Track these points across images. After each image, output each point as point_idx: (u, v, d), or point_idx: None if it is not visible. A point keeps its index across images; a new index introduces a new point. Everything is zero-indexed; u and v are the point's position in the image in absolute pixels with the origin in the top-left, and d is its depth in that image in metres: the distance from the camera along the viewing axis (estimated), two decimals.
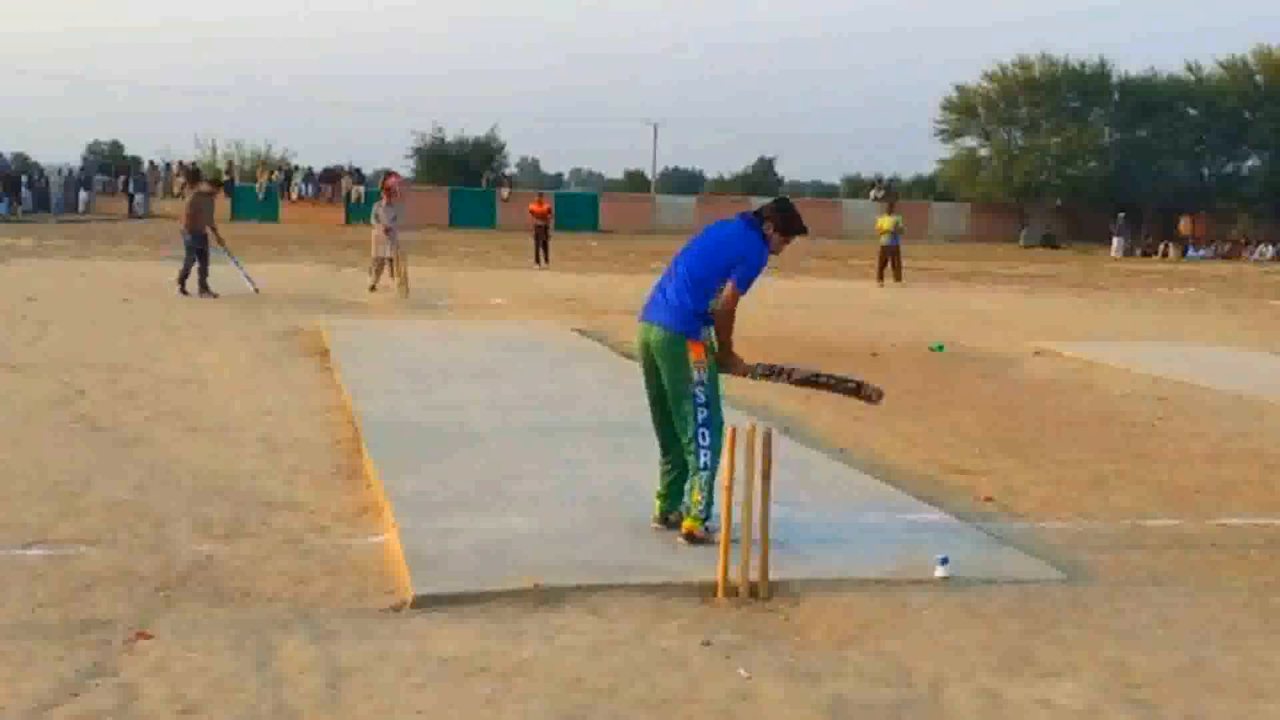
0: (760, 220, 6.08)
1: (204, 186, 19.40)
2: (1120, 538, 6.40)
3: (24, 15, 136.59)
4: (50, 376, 10.26)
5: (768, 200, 6.59)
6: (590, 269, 26.94)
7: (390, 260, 19.25)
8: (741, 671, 4.39)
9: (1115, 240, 44.35)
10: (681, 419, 5.82)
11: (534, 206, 28.20)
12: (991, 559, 5.79)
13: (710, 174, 74.98)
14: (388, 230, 19.21)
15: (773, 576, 5.20)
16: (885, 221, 25.15)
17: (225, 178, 45.35)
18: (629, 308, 16.92)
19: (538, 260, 26.85)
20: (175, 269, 17.80)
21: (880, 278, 24.81)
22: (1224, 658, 4.71)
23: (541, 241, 27.10)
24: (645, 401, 6.10)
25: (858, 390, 6.11)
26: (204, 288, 17.26)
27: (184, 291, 17.20)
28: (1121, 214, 44.92)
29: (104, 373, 10.54)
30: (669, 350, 5.81)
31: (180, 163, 48.68)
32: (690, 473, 5.83)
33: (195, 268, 17.33)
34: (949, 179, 55.68)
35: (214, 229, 17.82)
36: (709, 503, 5.72)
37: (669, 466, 6.05)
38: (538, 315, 16.50)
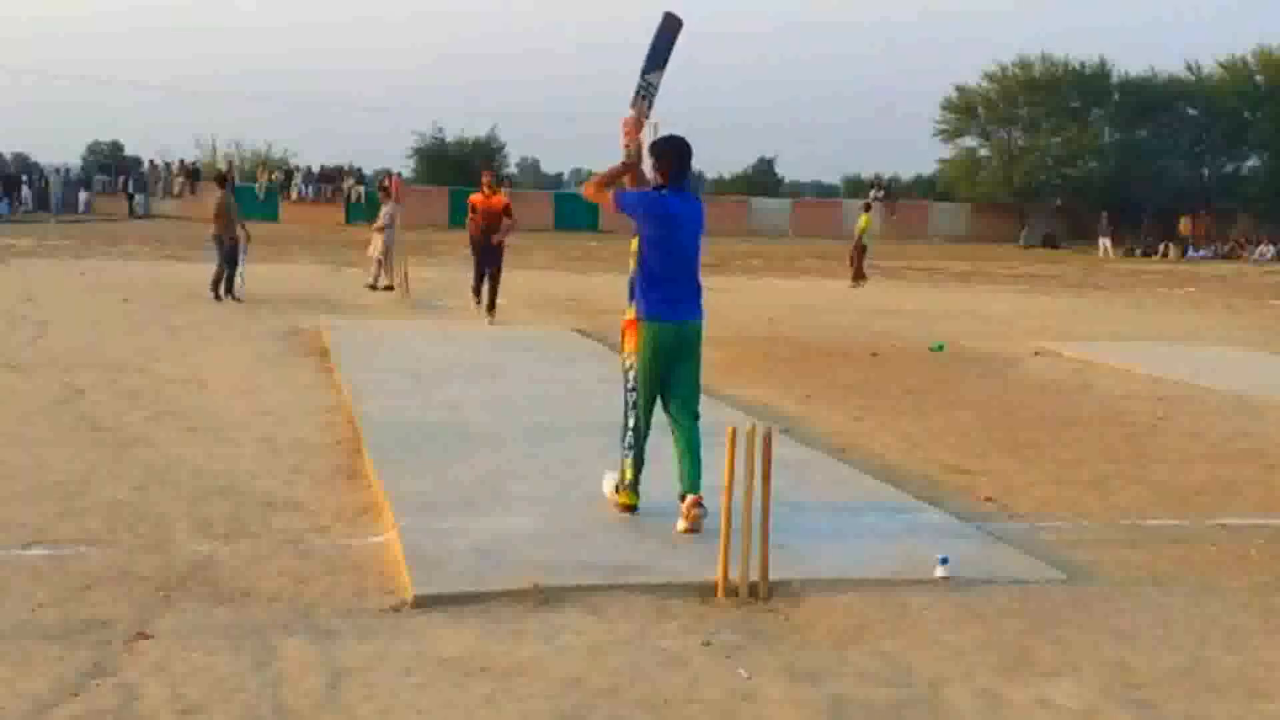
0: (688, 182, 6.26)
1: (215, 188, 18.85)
2: (1120, 538, 6.40)
3: (24, 15, 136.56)
4: (50, 376, 10.26)
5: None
6: (590, 269, 26.93)
7: (384, 259, 19.34)
8: (742, 672, 4.39)
9: (1102, 241, 44.03)
10: (696, 397, 6.21)
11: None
12: (991, 559, 5.79)
13: (710, 174, 74.77)
14: (383, 229, 19.31)
15: (773, 577, 5.20)
16: (867, 220, 25.48)
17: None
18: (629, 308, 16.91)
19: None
20: (175, 269, 17.79)
21: (860, 276, 24.78)
22: (1224, 658, 4.71)
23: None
24: (645, 399, 6.22)
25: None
26: (230, 290, 16.77)
27: (218, 298, 16.67)
28: (1105, 213, 44.70)
29: (104, 373, 10.54)
30: (700, 338, 6.22)
31: (181, 162, 48.75)
32: (698, 444, 6.08)
33: (223, 270, 16.87)
34: (949, 179, 55.68)
35: (243, 226, 17.27)
36: None
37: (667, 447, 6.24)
38: (537, 315, 16.50)
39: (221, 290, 16.80)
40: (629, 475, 6.26)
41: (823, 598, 5.16)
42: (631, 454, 6.24)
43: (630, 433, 6.25)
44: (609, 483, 6.40)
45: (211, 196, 18.60)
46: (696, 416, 6.17)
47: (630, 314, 6.18)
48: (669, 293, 6.06)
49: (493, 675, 4.29)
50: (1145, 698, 4.30)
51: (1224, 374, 12.65)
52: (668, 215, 6.06)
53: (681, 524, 5.98)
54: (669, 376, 6.15)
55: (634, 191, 6.23)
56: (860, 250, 24.75)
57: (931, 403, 10.49)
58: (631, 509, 6.25)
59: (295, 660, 4.37)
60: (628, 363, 6.22)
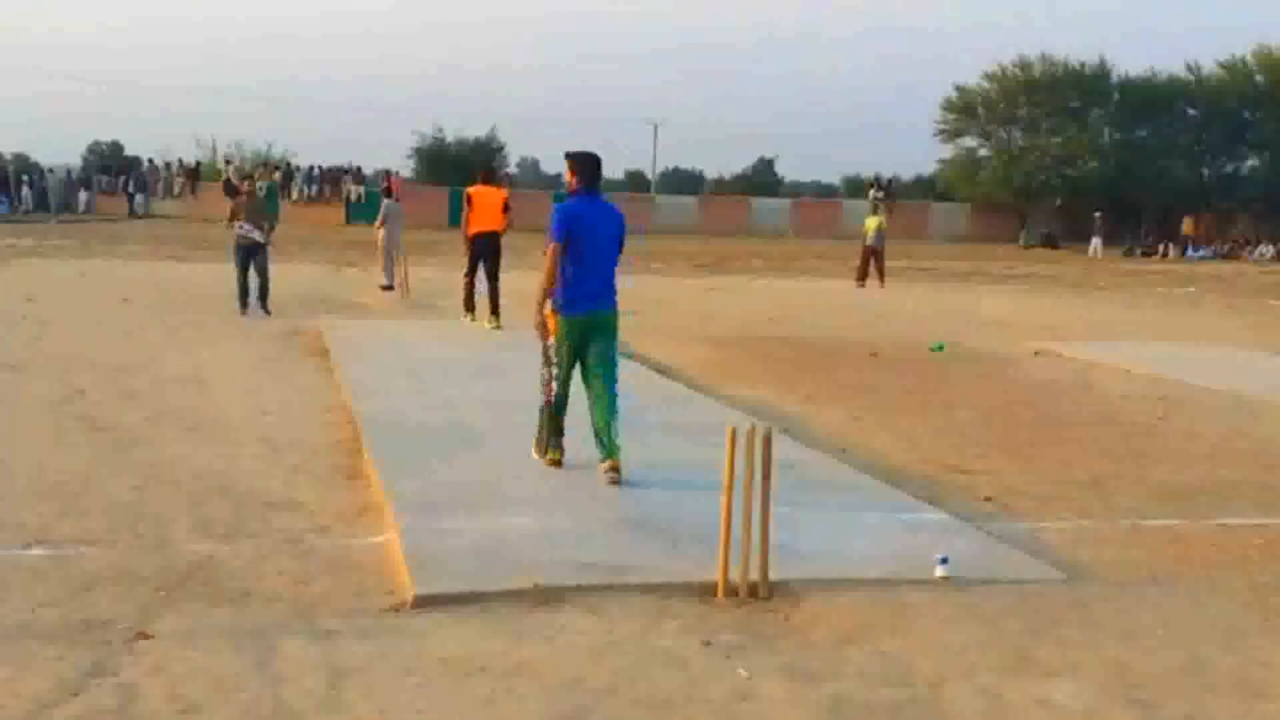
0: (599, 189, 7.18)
1: (245, 186, 17.49)
2: (1120, 538, 6.40)
3: (24, 15, 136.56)
4: (50, 376, 10.26)
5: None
6: None
7: (382, 258, 19.38)
8: (742, 672, 4.39)
9: (1094, 240, 43.71)
10: (612, 375, 7.04)
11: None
12: (991, 559, 5.79)
13: (710, 174, 74.88)
14: (383, 225, 19.37)
15: (773, 576, 5.20)
16: (872, 222, 25.17)
17: (224, 177, 45.43)
18: (628, 307, 16.91)
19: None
20: (175, 269, 17.67)
21: (862, 278, 24.55)
22: (1224, 658, 4.71)
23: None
24: (564, 375, 7.08)
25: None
26: (263, 301, 15.42)
27: (245, 309, 15.25)
28: (1098, 213, 44.54)
29: (104, 373, 10.54)
30: (615, 325, 7.13)
31: (180, 161, 48.72)
32: (613, 412, 6.94)
33: (250, 279, 15.40)
34: (949, 179, 55.64)
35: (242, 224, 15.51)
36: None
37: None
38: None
39: (253, 300, 15.36)
40: (550, 436, 7.11)
41: (823, 598, 5.16)
42: (546, 417, 7.11)
43: (548, 404, 7.10)
44: (535, 451, 7.24)
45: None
46: (612, 389, 7.02)
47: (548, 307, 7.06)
48: (581, 287, 6.93)
49: (492, 675, 4.29)
50: (1145, 697, 4.30)
51: (1223, 374, 12.65)
52: (581, 222, 6.94)
53: (602, 479, 6.82)
54: (586, 355, 7.04)
55: (554, 223, 6.97)
56: (874, 253, 24.48)
57: (931, 403, 10.49)
58: (558, 463, 7.08)
59: (295, 660, 4.37)
60: (548, 345, 7.05)
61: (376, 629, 4.71)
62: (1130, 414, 10.22)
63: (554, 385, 7.08)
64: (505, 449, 7.66)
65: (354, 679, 4.22)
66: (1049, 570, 5.69)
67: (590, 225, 6.96)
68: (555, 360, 7.05)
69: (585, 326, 7.01)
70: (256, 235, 15.42)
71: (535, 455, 7.24)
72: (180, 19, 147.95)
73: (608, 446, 6.90)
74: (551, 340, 7.03)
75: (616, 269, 7.15)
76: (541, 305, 6.95)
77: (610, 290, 7.08)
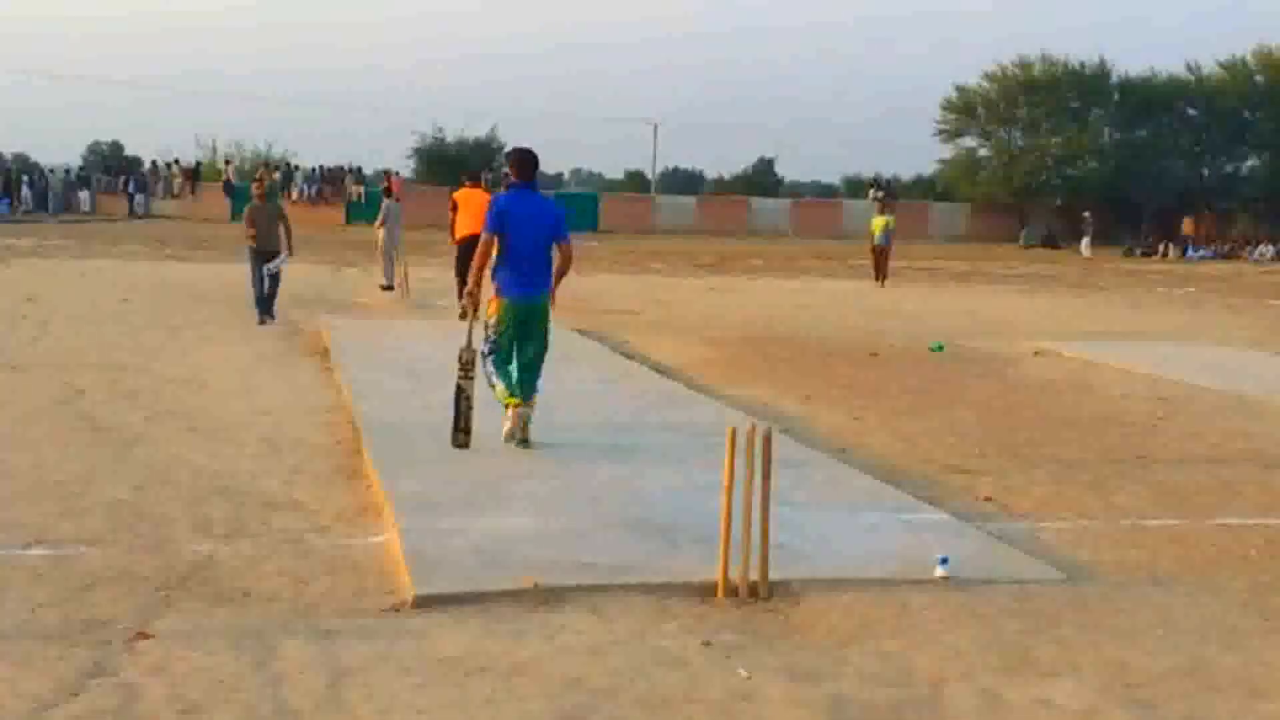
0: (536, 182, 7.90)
1: (256, 189, 16.76)
2: (1120, 538, 6.40)
3: (24, 15, 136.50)
4: (50, 376, 10.27)
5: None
6: (590, 269, 26.94)
7: (382, 258, 19.35)
8: (741, 671, 4.40)
9: (1083, 240, 43.52)
10: (542, 353, 7.77)
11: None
12: (991, 559, 5.79)
13: (710, 174, 74.80)
14: (383, 225, 19.36)
15: (773, 576, 5.20)
16: (879, 222, 25.19)
17: (225, 177, 45.44)
18: (629, 308, 16.92)
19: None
20: (175, 269, 17.63)
21: (878, 275, 24.69)
22: (1224, 658, 4.71)
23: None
24: (505, 350, 7.74)
25: (456, 421, 7.63)
26: (267, 310, 14.88)
27: (262, 320, 14.64)
28: (1086, 213, 44.36)
29: (104, 373, 10.54)
30: (547, 310, 7.74)
31: (178, 161, 48.68)
32: (532, 390, 7.70)
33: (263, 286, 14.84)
34: (949, 179, 55.60)
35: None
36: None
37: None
38: None
39: (266, 309, 14.83)
40: (505, 387, 7.66)
41: (823, 597, 5.16)
42: (498, 375, 7.71)
43: (491, 374, 7.72)
44: (505, 426, 7.68)
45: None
46: (540, 365, 7.79)
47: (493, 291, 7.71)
48: (518, 275, 7.58)
49: (493, 675, 4.29)
50: (1145, 697, 4.31)
51: (1223, 374, 12.65)
52: (510, 214, 7.57)
53: (506, 426, 7.62)
54: (522, 335, 7.67)
55: (489, 215, 7.70)
56: (882, 252, 24.53)
57: (931, 403, 10.49)
58: (518, 405, 7.62)
59: (295, 660, 4.37)
60: (489, 324, 7.69)
61: (376, 629, 4.71)
62: (1130, 414, 10.22)
63: (490, 358, 7.69)
64: (504, 449, 7.66)
65: (354, 679, 4.22)
66: (1049, 570, 5.70)
67: (520, 218, 7.56)
68: (492, 338, 7.67)
69: (522, 311, 7.63)
70: (275, 264, 14.82)
71: (505, 430, 7.70)
72: (180, 18, 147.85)
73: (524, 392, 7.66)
74: (492, 321, 7.67)
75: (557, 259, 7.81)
76: (475, 283, 7.68)
77: (543, 278, 7.68)
